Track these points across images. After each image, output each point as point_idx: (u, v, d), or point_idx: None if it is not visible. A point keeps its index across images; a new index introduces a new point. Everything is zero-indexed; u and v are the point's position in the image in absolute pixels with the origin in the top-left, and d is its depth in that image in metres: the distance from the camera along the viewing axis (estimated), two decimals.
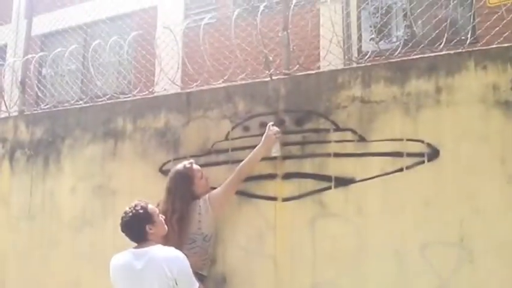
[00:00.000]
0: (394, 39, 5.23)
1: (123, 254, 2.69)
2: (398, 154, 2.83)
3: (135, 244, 2.70)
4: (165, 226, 2.82)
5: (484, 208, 2.60)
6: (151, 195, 3.20)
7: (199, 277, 2.88)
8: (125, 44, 4.09)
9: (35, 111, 4.53)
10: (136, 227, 2.66)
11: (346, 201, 2.92)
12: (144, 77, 4.21)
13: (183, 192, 3.08)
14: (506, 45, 2.74)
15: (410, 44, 3.20)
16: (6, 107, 4.64)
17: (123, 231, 2.70)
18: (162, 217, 2.83)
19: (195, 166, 3.19)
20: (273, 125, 3.11)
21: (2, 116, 4.74)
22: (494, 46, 2.77)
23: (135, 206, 2.70)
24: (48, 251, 4.03)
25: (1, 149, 4.53)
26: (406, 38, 3.62)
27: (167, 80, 3.78)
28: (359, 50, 4.73)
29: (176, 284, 2.56)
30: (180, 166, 3.18)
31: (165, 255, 2.59)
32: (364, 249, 2.83)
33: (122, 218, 2.70)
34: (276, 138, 3.07)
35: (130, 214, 2.67)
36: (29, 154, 4.35)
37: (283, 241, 3.06)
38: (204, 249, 3.05)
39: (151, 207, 2.76)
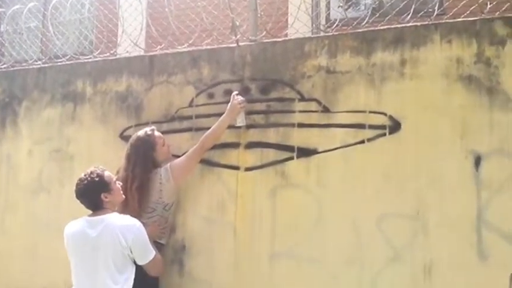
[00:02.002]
0: (363, 8, 5.16)
1: (78, 222, 2.64)
2: (360, 126, 2.82)
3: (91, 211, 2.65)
4: (122, 194, 2.76)
5: (441, 182, 2.63)
6: (111, 161, 3.15)
7: (158, 246, 2.87)
8: (86, 2, 3.89)
9: None
10: (91, 195, 2.59)
11: (308, 172, 2.91)
12: (106, 38, 4.03)
13: (143, 159, 3.01)
14: (472, 19, 2.72)
15: (378, 14, 3.15)
16: None
17: (77, 198, 2.63)
18: (119, 184, 2.76)
19: (157, 133, 3.12)
20: (237, 94, 3.05)
21: None
22: (460, 19, 2.74)
23: (91, 173, 2.62)
24: (4, 216, 3.92)
25: None
26: (374, 7, 3.55)
27: (130, 42, 3.64)
28: (327, 18, 4.65)
29: (131, 252, 2.53)
30: (141, 132, 3.10)
31: (120, 224, 2.55)
32: (323, 220, 2.85)
33: (77, 185, 2.63)
34: (240, 108, 3.01)
35: (85, 182, 2.59)
36: None
37: (244, 210, 3.05)
38: (163, 218, 3.02)
39: (107, 174, 2.68)
